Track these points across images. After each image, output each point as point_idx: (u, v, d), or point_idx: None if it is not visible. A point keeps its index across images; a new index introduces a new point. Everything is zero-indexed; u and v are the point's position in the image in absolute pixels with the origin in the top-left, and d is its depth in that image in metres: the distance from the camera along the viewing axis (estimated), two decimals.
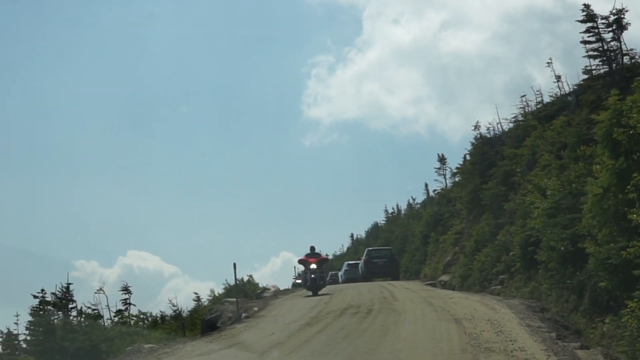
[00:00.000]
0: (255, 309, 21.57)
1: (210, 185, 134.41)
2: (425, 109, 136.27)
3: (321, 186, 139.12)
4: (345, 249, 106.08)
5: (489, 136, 33.63)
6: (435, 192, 43.85)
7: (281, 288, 37.63)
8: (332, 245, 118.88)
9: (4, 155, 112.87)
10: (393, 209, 76.35)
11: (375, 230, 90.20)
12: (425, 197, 63.74)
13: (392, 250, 39.48)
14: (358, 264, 40.80)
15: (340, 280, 45.51)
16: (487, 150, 32.66)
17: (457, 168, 36.13)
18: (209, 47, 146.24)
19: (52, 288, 23.21)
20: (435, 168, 44.80)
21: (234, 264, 21.85)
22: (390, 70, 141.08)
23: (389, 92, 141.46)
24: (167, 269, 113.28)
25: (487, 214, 29.69)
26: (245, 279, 41.75)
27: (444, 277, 30.93)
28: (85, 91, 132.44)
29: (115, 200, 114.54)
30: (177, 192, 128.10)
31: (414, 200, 70.19)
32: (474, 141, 33.68)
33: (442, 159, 44.89)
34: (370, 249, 42.48)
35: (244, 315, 20.61)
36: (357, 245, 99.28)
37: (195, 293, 40.93)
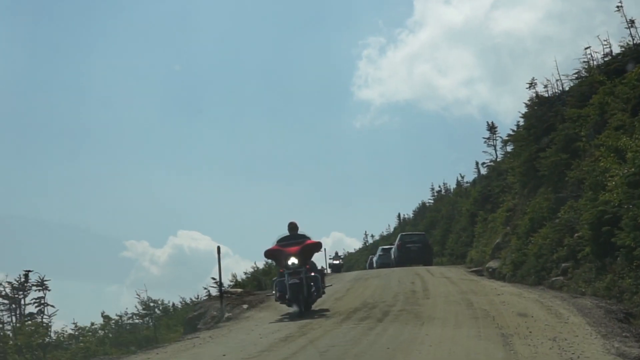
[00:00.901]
0: (245, 306, 16.61)
1: (260, 166, 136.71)
2: (477, 90, 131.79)
3: (371, 167, 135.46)
4: (392, 229, 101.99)
5: (546, 95, 27.80)
6: (484, 165, 38.23)
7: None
8: (380, 225, 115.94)
9: (59, 137, 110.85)
10: (440, 187, 70.68)
11: (422, 209, 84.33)
12: (475, 175, 58.14)
13: (425, 236, 37.56)
14: (392, 248, 38.97)
15: (374, 265, 42.35)
16: (544, 112, 26.93)
17: (508, 135, 30.46)
18: (260, 28, 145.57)
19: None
20: (484, 138, 39.12)
21: (218, 248, 16.53)
22: (442, 51, 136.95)
23: (441, 73, 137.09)
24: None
25: (545, 187, 24.11)
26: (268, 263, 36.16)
27: (492, 264, 25.50)
28: (137, 72, 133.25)
29: (166, 180, 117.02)
30: (227, 172, 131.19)
31: (462, 177, 64.40)
32: (528, 102, 27.89)
33: (492, 128, 39.14)
34: (403, 234, 40.70)
35: (226, 315, 15.71)
36: (403, 225, 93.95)
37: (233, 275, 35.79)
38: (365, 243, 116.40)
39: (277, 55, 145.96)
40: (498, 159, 38.65)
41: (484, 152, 39.66)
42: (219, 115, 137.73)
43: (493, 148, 38.78)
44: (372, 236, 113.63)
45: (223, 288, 17.62)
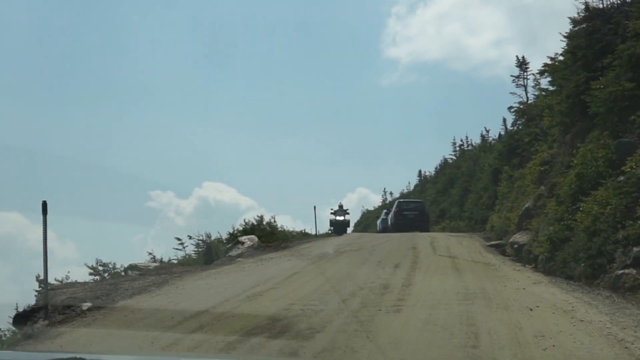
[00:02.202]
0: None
1: (286, 120, 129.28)
2: (507, 50, 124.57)
3: (397, 126, 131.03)
4: (412, 187, 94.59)
5: (601, 6, 19.84)
6: (512, 110, 30.25)
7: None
8: (404, 182, 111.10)
9: (82, 90, 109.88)
10: (462, 140, 62.61)
11: (444, 166, 76.24)
12: (502, 131, 50.22)
13: (423, 203, 36.29)
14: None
15: (377, 228, 39.54)
16: (598, 27, 19.03)
17: (545, 65, 22.50)
18: None
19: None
20: (513, 77, 31.07)
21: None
22: (472, 10, 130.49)
23: (471, 33, 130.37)
24: (244, 201, 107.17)
25: (599, 130, 16.39)
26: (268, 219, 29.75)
27: (520, 237, 17.98)
28: (162, 25, 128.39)
29: (193, 132, 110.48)
30: (253, 125, 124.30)
31: (487, 132, 56.17)
32: (575, 17, 19.95)
33: (522, 64, 31.02)
34: (400, 200, 39.47)
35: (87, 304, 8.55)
36: (424, 183, 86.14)
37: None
38: (384, 200, 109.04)
39: (306, 11, 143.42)
40: (529, 102, 30.63)
41: (511, 93, 31.14)
42: (245, 69, 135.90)
43: (523, 89, 30.85)
44: (391, 193, 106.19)
45: None
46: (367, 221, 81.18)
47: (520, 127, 30.11)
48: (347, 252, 17.75)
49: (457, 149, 62.92)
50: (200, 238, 22.58)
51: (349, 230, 70.51)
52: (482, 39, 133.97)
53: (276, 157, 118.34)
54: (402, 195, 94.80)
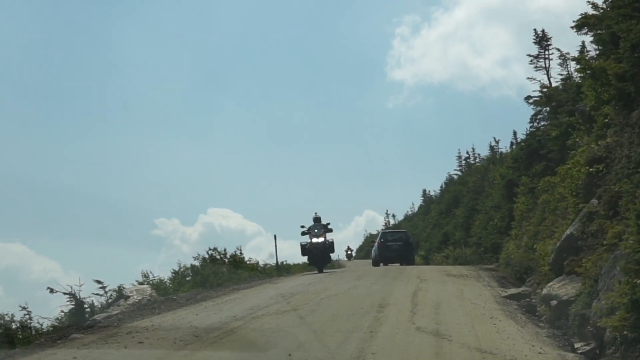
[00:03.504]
0: None
1: (291, 143, 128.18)
2: (514, 70, 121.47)
3: (404, 147, 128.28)
4: (416, 208, 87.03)
5: None
6: (530, 100, 22.32)
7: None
8: (406, 205, 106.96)
9: (84, 113, 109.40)
10: (468, 153, 54.82)
11: (449, 184, 68.23)
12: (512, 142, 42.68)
13: (407, 233, 34.88)
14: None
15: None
16: None
17: (582, 16, 14.70)
18: (291, 4, 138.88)
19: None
20: (531, 57, 23.24)
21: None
22: (477, 30, 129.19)
23: (476, 53, 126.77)
24: (250, 227, 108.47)
25: None
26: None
27: (560, 288, 10.07)
28: (162, 47, 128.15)
29: (195, 158, 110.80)
30: (257, 150, 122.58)
31: (497, 142, 48.32)
32: None
33: (541, 39, 23.22)
34: (385, 231, 39.67)
35: None
36: (428, 203, 78.28)
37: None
38: (386, 224, 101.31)
39: (310, 31, 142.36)
40: (554, 85, 22.74)
41: (528, 79, 23.27)
42: (249, 92, 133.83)
43: (544, 72, 23.07)
44: (394, 216, 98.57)
45: None
46: (370, 246, 73.75)
47: (542, 122, 22.37)
48: (265, 318, 10.09)
49: (463, 162, 55.17)
50: (69, 291, 14.63)
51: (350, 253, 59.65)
52: (488, 59, 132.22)
53: (282, 181, 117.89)
54: (406, 217, 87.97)
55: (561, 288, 9.76)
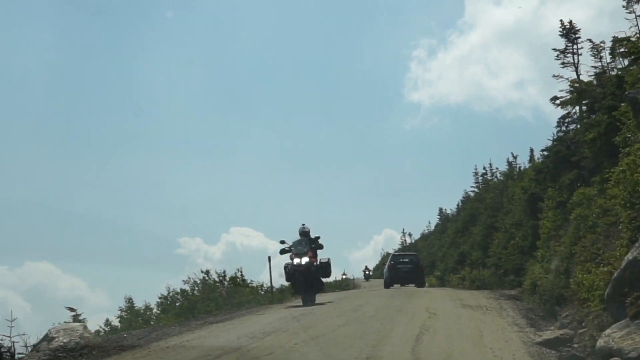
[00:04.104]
0: None
1: (310, 163, 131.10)
2: (529, 91, 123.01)
3: (422, 168, 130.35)
4: (432, 227, 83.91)
5: None
6: (557, 102, 19.04)
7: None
8: (423, 223, 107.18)
9: (109, 138, 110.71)
10: (485, 169, 51.58)
11: (465, 201, 65.05)
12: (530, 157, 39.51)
13: (417, 256, 36.15)
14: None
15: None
16: None
17: None
18: (310, 26, 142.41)
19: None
20: (557, 51, 19.99)
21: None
22: (492, 52, 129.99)
23: (492, 75, 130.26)
24: (271, 245, 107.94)
25: None
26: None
27: (621, 338, 7.06)
28: (183, 70, 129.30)
29: (218, 178, 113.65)
30: (278, 170, 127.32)
31: (514, 157, 45.06)
32: None
33: (568, 32, 20.00)
34: (395, 253, 41.98)
35: None
36: (445, 222, 74.99)
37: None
38: (402, 242, 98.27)
39: (328, 54, 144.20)
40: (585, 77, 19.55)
41: (554, 76, 20.21)
42: (269, 113, 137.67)
43: (572, 68, 19.95)
44: (410, 234, 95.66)
45: None
46: (384, 265, 70.66)
47: (573, 125, 19.26)
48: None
49: (480, 179, 51.92)
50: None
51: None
52: (503, 80, 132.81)
53: (302, 201, 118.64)
54: (422, 236, 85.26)
55: (626, 339, 6.73)
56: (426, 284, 40.82)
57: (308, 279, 16.42)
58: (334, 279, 78.57)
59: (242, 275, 29.75)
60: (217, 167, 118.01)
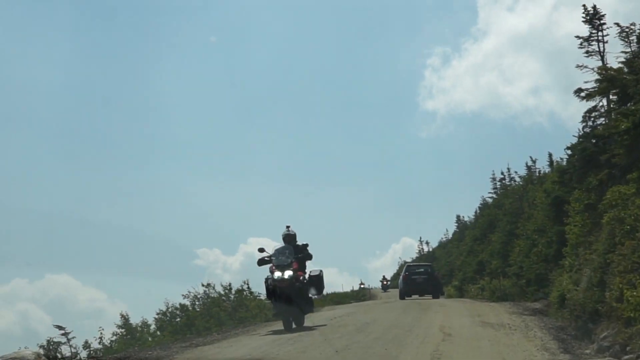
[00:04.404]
0: None
1: (327, 173, 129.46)
2: (544, 97, 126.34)
3: (437, 175, 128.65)
4: (450, 235, 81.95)
5: None
6: (582, 95, 17.30)
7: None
8: (441, 232, 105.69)
9: (128, 149, 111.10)
10: (503, 173, 49.68)
11: (483, 208, 63.07)
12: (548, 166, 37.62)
13: (432, 267, 35.55)
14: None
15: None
16: None
17: None
18: (325, 35, 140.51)
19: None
20: (581, 39, 18.30)
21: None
22: (506, 59, 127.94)
23: (507, 82, 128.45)
24: None
25: None
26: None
27: None
28: (202, 80, 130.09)
29: (236, 189, 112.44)
30: (295, 180, 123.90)
31: (534, 162, 43.14)
32: None
33: (592, 18, 18.28)
34: (409, 264, 40.99)
35: None
36: (462, 229, 73.00)
37: None
38: (420, 251, 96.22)
39: (342, 64, 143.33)
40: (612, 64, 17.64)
41: (578, 66, 18.40)
42: (285, 124, 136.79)
43: (598, 56, 18.12)
44: (428, 243, 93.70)
45: None
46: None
47: (599, 121, 17.42)
48: None
49: (498, 184, 50.00)
50: None
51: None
52: (518, 87, 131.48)
53: (319, 210, 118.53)
54: (440, 244, 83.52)
55: None
56: (444, 294, 40.10)
57: (291, 297, 12.81)
58: (351, 288, 76.94)
59: (249, 287, 28.06)
60: (234, 178, 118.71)
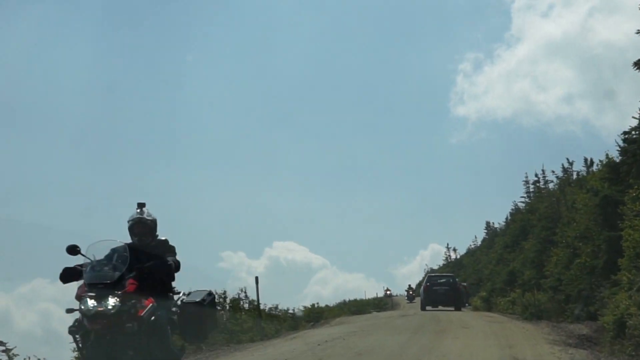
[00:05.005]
0: None
1: (355, 178, 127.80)
2: (578, 105, 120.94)
3: (468, 182, 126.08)
4: (479, 242, 78.18)
5: None
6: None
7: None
8: (469, 238, 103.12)
9: (154, 150, 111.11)
10: (537, 176, 45.67)
11: (515, 214, 58.98)
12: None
13: (454, 277, 33.71)
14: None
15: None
16: None
17: None
18: (356, 40, 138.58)
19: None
20: None
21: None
22: (540, 65, 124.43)
23: (540, 89, 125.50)
24: (315, 260, 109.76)
25: None
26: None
27: None
28: (229, 84, 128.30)
29: (261, 192, 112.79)
30: (323, 184, 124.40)
31: (570, 164, 39.13)
32: None
33: None
34: (431, 274, 39.12)
35: None
36: (492, 236, 69.14)
37: None
38: (447, 258, 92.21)
39: (374, 68, 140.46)
40: None
41: (638, 32, 14.81)
42: (314, 128, 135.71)
43: None
44: (455, 250, 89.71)
45: None
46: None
47: None
48: None
49: (531, 188, 46.05)
50: None
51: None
52: (552, 95, 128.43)
53: (347, 215, 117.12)
54: (469, 252, 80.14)
55: None
56: (470, 305, 37.90)
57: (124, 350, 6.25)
58: (375, 295, 73.55)
59: (246, 296, 24.83)
60: (261, 181, 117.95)
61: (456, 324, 15.65)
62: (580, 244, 19.05)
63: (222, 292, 23.00)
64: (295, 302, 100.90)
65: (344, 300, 60.81)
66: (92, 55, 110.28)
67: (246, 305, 24.65)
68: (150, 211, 7.27)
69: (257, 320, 18.39)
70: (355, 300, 63.26)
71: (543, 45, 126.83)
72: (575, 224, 20.43)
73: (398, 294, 72.07)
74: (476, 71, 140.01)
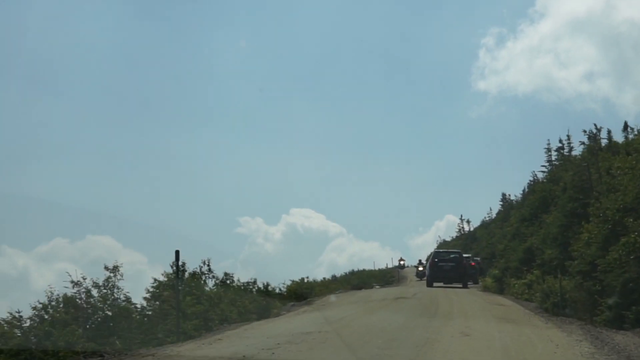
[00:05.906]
0: None
1: (374, 148, 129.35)
2: (599, 83, 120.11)
3: (486, 155, 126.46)
4: (494, 214, 74.40)
5: None
6: None
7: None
8: (484, 210, 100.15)
9: (178, 118, 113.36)
10: (562, 142, 40.70)
11: (533, 185, 53.82)
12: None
13: (460, 254, 33.70)
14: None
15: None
16: None
17: None
18: (378, 11, 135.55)
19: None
20: None
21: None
22: (562, 42, 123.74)
23: (562, 66, 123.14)
24: (332, 227, 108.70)
25: None
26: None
27: None
28: (249, 53, 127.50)
29: (280, 159, 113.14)
30: (342, 153, 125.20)
31: (598, 130, 34.06)
32: None
33: None
34: (437, 250, 39.34)
35: None
36: (508, 209, 64.87)
37: None
38: (460, 229, 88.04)
39: (396, 41, 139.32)
40: None
41: None
42: (335, 97, 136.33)
43: None
44: (469, 222, 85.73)
45: None
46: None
47: None
48: None
49: (554, 156, 41.15)
50: None
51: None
52: (574, 72, 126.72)
53: (365, 184, 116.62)
54: (483, 224, 77.05)
55: None
56: (479, 283, 35.79)
57: None
58: (386, 264, 70.27)
59: (209, 267, 20.63)
60: (280, 148, 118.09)
61: (455, 326, 11.13)
62: (624, 219, 14.35)
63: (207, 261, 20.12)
64: (312, 269, 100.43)
65: (352, 270, 58.19)
66: (120, 16, 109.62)
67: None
68: None
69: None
70: (363, 270, 60.29)
71: (566, 22, 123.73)
72: (619, 192, 15.68)
73: (410, 265, 68.74)
74: (499, 46, 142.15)
